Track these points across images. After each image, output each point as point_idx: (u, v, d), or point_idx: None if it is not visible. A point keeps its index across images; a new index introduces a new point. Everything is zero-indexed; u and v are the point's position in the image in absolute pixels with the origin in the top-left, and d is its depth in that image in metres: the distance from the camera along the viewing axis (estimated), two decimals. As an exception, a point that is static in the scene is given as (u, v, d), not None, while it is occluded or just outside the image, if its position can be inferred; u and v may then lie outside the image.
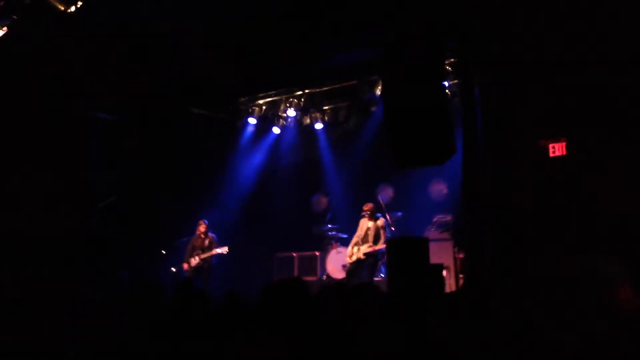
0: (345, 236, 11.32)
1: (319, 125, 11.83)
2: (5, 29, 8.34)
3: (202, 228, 10.69)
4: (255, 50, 9.33)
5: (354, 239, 9.93)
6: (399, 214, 10.82)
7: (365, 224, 9.86)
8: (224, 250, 10.43)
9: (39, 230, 8.73)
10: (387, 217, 10.33)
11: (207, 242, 10.60)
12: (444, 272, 8.56)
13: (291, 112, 11.77)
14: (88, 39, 9.11)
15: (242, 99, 12.21)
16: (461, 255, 8.92)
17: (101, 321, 3.62)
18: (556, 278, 3.13)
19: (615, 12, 6.70)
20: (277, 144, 12.82)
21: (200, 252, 10.54)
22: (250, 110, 12.23)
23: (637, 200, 6.31)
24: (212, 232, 10.82)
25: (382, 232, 9.66)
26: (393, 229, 10.19)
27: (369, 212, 9.82)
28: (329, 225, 11.54)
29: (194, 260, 10.53)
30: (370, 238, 9.62)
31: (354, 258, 9.74)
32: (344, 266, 10.61)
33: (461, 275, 8.92)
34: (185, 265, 10.57)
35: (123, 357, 3.17)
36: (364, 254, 9.59)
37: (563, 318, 2.82)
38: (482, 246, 6.92)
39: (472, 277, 6.93)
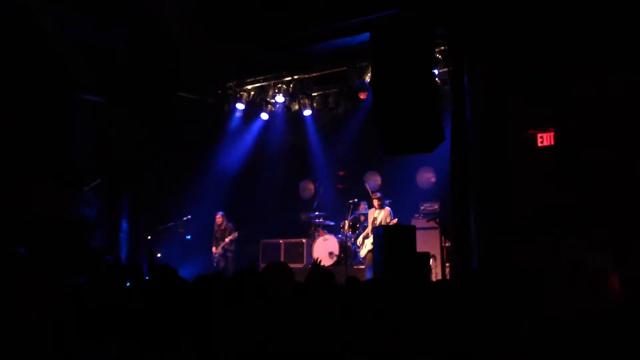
0: (332, 223, 11.30)
1: (307, 112, 11.74)
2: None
3: (218, 220, 11.40)
4: (244, 34, 9.21)
5: (365, 232, 10.07)
6: (387, 201, 10.80)
7: (373, 214, 9.97)
8: (233, 236, 11.18)
9: (22, 213, 8.63)
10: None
11: (226, 232, 11.27)
12: (431, 261, 8.59)
13: (280, 98, 11.66)
14: (75, 20, 8.98)
15: (230, 84, 12.07)
16: (448, 244, 8.93)
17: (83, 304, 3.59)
18: (543, 267, 3.11)
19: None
20: (265, 130, 12.73)
21: (221, 241, 11.28)
22: (238, 95, 12.11)
23: (625, 189, 6.34)
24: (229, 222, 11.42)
25: (389, 220, 9.73)
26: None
27: (377, 202, 9.93)
28: (316, 213, 11.51)
29: (215, 250, 11.30)
30: None
31: (366, 251, 9.86)
32: (330, 253, 10.60)
33: (448, 264, 8.94)
34: (213, 249, 11.40)
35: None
36: (372, 244, 9.69)
37: (548, 307, 2.82)
38: (469, 235, 6.93)
39: (459, 265, 6.94)
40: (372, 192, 10.24)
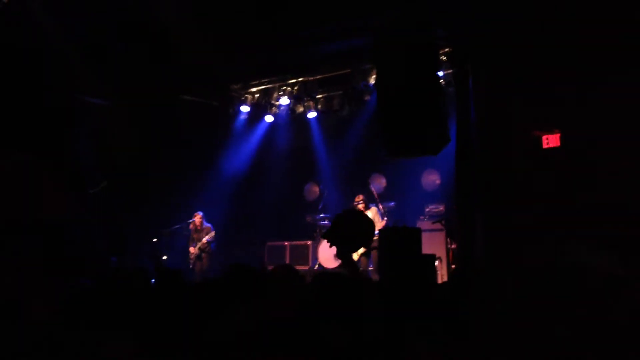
0: (337, 225, 11.26)
1: (312, 114, 11.74)
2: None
3: (196, 220, 11.14)
4: (249, 36, 9.22)
5: None
6: (392, 203, 10.79)
7: None
8: (210, 236, 11.00)
9: (27, 216, 8.64)
10: (380, 207, 10.31)
11: (202, 233, 11.08)
12: (437, 263, 8.56)
13: (284, 100, 11.67)
14: (75, 20, 9.00)
15: (235, 86, 12.08)
16: (454, 246, 8.91)
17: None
18: (549, 270, 3.10)
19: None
20: (270, 132, 12.74)
21: (197, 242, 11.08)
22: (243, 97, 12.12)
23: (627, 190, 6.32)
24: (207, 222, 11.20)
25: (377, 219, 9.68)
26: (385, 218, 10.15)
27: (362, 204, 9.85)
28: (321, 215, 11.50)
29: (192, 250, 11.07)
30: None
31: (357, 255, 9.79)
32: (335, 255, 10.57)
33: (453, 266, 8.91)
34: (191, 249, 11.15)
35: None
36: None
37: (554, 308, 2.80)
38: (475, 237, 6.90)
39: (464, 266, 6.93)
40: (356, 196, 10.13)
